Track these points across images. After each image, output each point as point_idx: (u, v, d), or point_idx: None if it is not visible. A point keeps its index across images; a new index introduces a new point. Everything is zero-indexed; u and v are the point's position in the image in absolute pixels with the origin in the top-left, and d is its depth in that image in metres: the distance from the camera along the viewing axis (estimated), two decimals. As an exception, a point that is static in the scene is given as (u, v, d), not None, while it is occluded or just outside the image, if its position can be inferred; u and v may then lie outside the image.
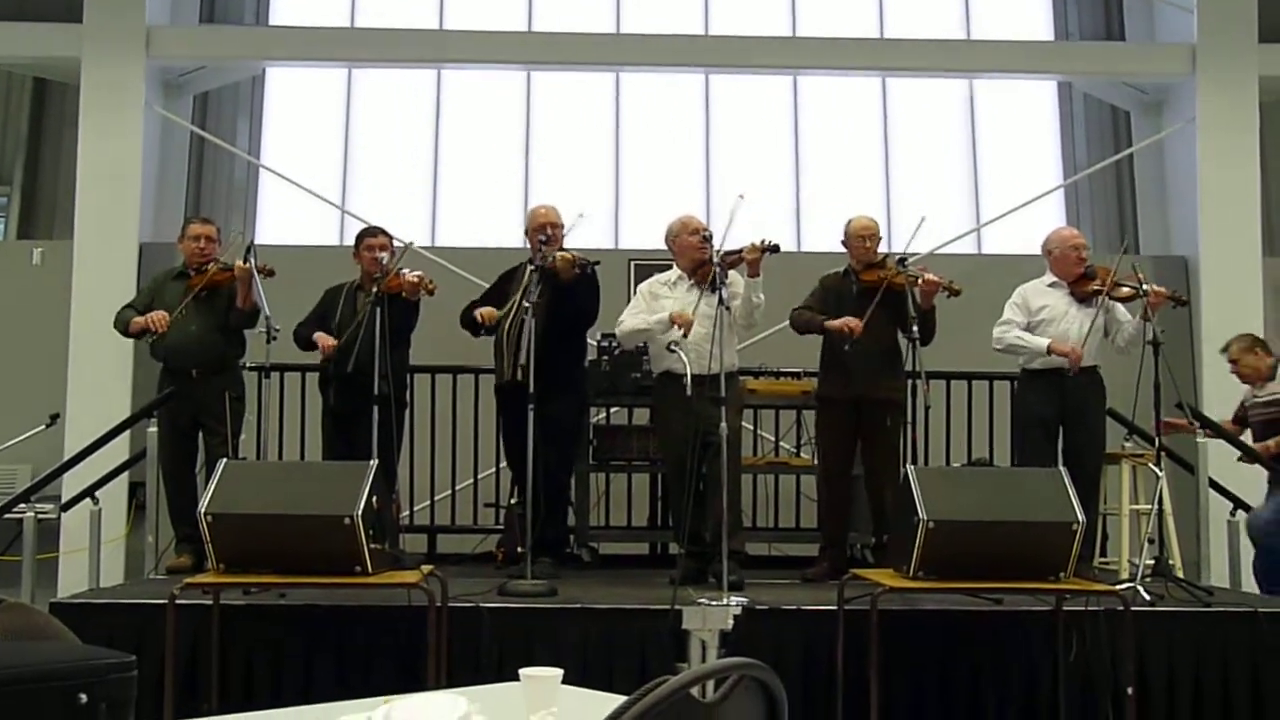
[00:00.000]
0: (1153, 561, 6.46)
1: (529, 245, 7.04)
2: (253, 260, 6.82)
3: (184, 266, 7.25)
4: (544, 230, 6.85)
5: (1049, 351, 6.82)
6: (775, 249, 6.48)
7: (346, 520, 4.97)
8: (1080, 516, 5.11)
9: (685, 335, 6.40)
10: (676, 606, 5.29)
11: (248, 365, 7.11)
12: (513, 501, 7.18)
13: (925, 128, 11.54)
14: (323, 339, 6.97)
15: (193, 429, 7.08)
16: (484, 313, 6.88)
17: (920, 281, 6.59)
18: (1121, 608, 5.30)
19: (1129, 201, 11.12)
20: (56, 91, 10.94)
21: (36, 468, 8.89)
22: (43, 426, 7.84)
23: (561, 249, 6.76)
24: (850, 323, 6.69)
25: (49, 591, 7.24)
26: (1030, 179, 11.09)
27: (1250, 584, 7.40)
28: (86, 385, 9.28)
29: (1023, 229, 10.27)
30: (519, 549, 6.43)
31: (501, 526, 7.53)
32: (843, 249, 7.11)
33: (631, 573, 7.37)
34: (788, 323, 7.18)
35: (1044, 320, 6.96)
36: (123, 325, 7.22)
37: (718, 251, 6.52)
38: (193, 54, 10.54)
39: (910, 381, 6.68)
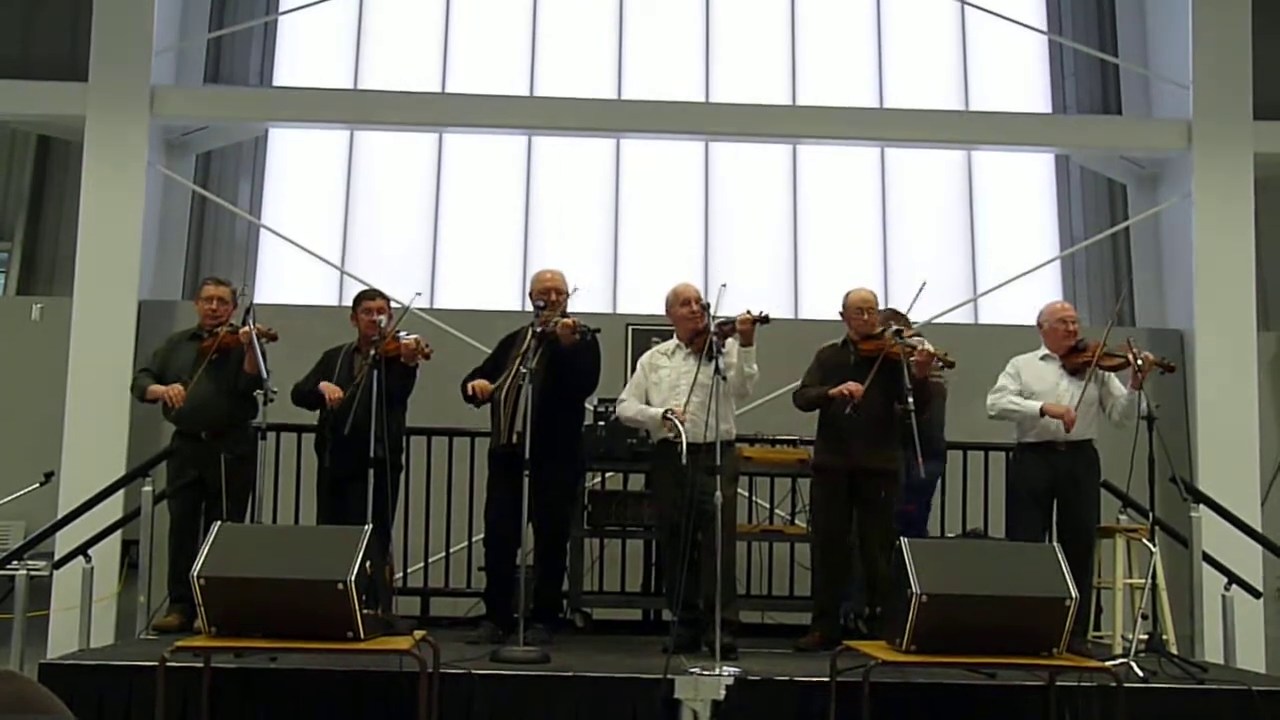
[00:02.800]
0: (1146, 637, 6.43)
1: (532, 309, 7.06)
2: (251, 323, 6.86)
3: (199, 328, 7.30)
4: (547, 295, 6.89)
5: (1042, 413, 6.85)
6: (766, 319, 6.52)
7: (339, 586, 4.95)
8: (1073, 592, 5.10)
9: (681, 425, 6.39)
10: (669, 676, 5.27)
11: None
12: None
13: (923, 198, 11.62)
14: (328, 388, 6.98)
15: (202, 490, 7.09)
16: (477, 385, 6.89)
17: (915, 352, 6.64)
18: (1114, 684, 5.28)
19: (1125, 274, 11.18)
20: (60, 149, 11.01)
21: (30, 525, 8.87)
22: (37, 484, 7.82)
23: (564, 314, 6.79)
24: (851, 387, 6.73)
25: (39, 650, 7.21)
26: (1027, 250, 11.16)
27: (1245, 660, 7.36)
28: (82, 443, 9.27)
29: (1019, 300, 10.34)
30: (514, 615, 6.43)
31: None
32: (839, 317, 7.15)
33: (625, 639, 7.34)
34: (782, 390, 7.21)
35: (1034, 393, 7.00)
36: (139, 392, 7.28)
37: (714, 319, 6.56)
38: (197, 114, 10.63)
39: (904, 453, 6.69)
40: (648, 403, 6.82)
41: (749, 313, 6.53)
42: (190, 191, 10.80)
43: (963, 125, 11.03)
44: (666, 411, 6.55)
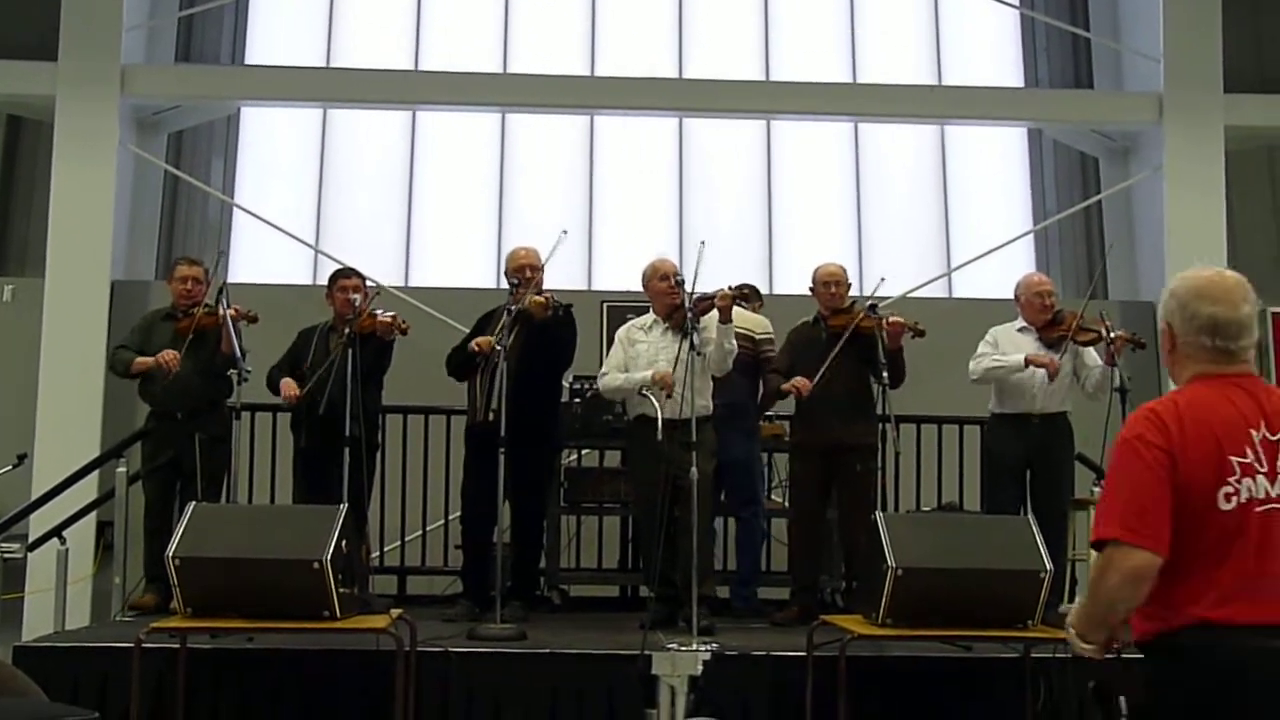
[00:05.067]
0: (1120, 608, 6.47)
1: (507, 286, 7.03)
2: (224, 304, 6.83)
3: (173, 307, 7.26)
4: (522, 272, 6.87)
5: (1027, 363, 6.89)
6: (745, 297, 6.54)
7: (315, 565, 4.96)
8: (1048, 564, 5.15)
9: (669, 396, 6.40)
10: (646, 652, 5.28)
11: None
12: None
13: (896, 172, 11.64)
14: (286, 386, 6.96)
15: (177, 471, 7.06)
16: (480, 341, 6.83)
17: (886, 322, 6.66)
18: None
19: (1097, 247, 11.21)
20: (30, 129, 10.91)
21: (3, 507, 8.81)
22: (10, 466, 7.78)
23: (539, 291, 6.77)
24: (797, 383, 6.81)
25: (14, 633, 7.19)
26: (1000, 224, 11.20)
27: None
28: (56, 424, 9.21)
29: (993, 273, 10.36)
30: (491, 592, 6.43)
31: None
32: (810, 293, 7.18)
33: (602, 616, 7.36)
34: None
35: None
36: (122, 366, 7.19)
37: (690, 295, 6.55)
38: (168, 93, 10.55)
39: (881, 426, 6.72)
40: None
41: (728, 289, 6.54)
42: (162, 171, 10.72)
43: (936, 100, 11.03)
44: (654, 374, 6.54)
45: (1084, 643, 3.04)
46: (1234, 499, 2.83)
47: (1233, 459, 2.83)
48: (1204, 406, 2.88)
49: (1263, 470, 2.84)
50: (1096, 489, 7.48)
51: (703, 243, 6.48)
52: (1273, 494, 2.84)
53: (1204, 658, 2.82)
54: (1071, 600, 7.43)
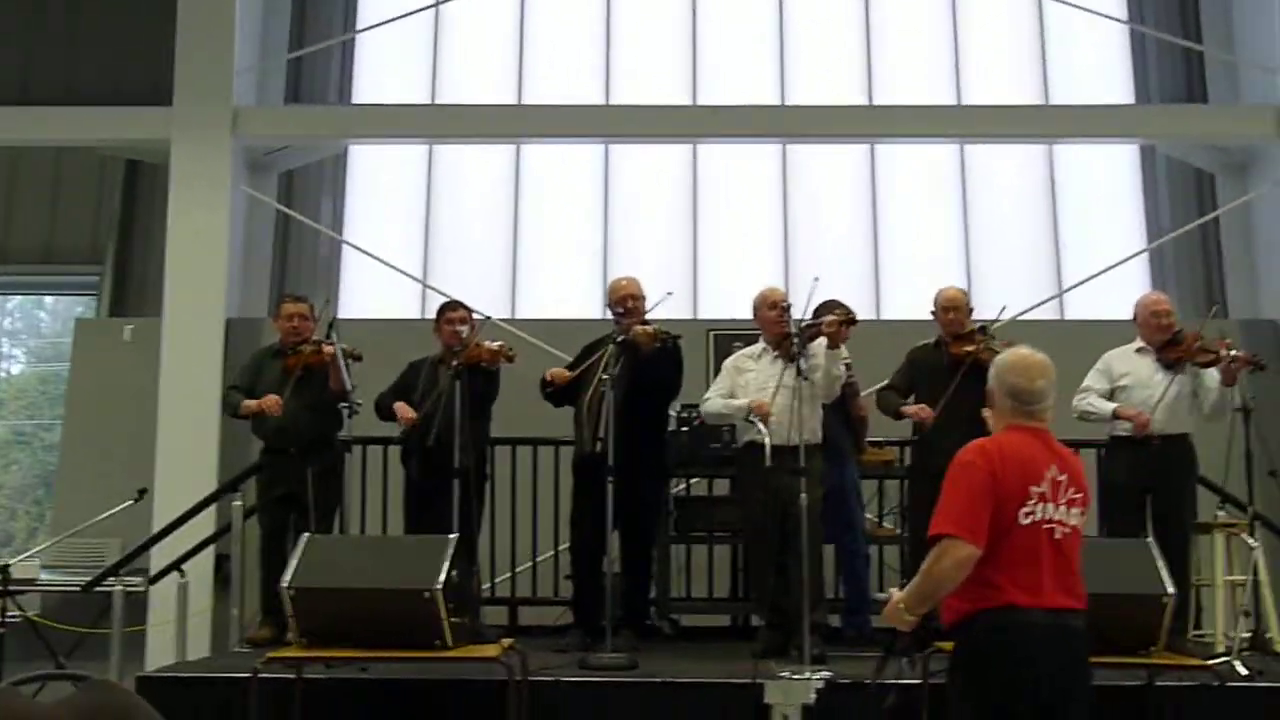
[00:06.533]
0: (1249, 635, 6.29)
1: (611, 317, 7.06)
2: (335, 338, 6.94)
3: (280, 344, 7.39)
4: (624, 303, 6.89)
5: (1115, 416, 6.76)
6: (853, 321, 6.48)
7: (426, 594, 4.99)
8: (1170, 588, 5.01)
9: (765, 424, 6.38)
10: (758, 680, 5.23)
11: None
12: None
13: (1005, 193, 11.46)
14: (402, 409, 7.04)
15: (291, 505, 7.17)
16: (554, 372, 6.90)
17: (1227, 364, 6.56)
18: (1216, 683, 5.15)
19: (1215, 264, 10.94)
20: (147, 172, 11.21)
21: (125, 542, 9.02)
22: (131, 501, 7.95)
23: (644, 322, 6.78)
24: (922, 413, 6.81)
25: (136, 664, 7.33)
26: (1113, 243, 10.95)
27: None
28: (174, 460, 9.40)
29: (1107, 294, 10.15)
30: (602, 622, 6.43)
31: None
32: (922, 317, 7.11)
33: (713, 645, 7.31)
34: (867, 390, 7.16)
35: (1126, 386, 6.89)
36: (232, 409, 7.38)
37: (798, 323, 6.52)
38: (278, 133, 10.78)
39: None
40: None
41: (837, 314, 6.50)
42: (274, 210, 10.94)
43: (1045, 119, 10.86)
44: (752, 403, 6.52)
45: (908, 615, 3.91)
46: (1031, 517, 3.85)
47: (1032, 488, 3.86)
48: (1015, 447, 3.92)
49: (1051, 500, 3.87)
50: (1221, 513, 7.28)
51: (816, 279, 6.45)
52: (1056, 517, 3.88)
53: (1004, 629, 3.82)
54: (1198, 627, 7.26)
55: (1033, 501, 3.84)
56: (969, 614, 3.85)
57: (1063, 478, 3.90)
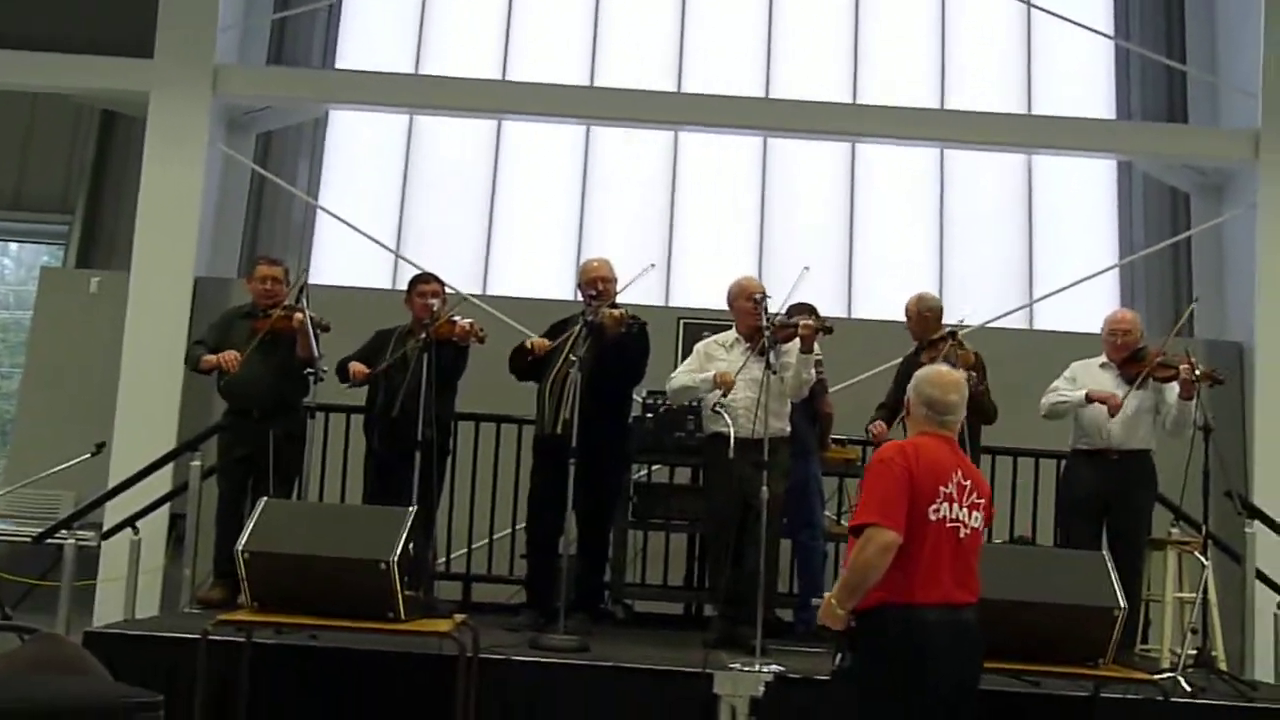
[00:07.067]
0: (1195, 652, 6.34)
1: (582, 298, 7.04)
2: (305, 304, 6.90)
3: (252, 306, 7.34)
4: (595, 285, 6.87)
5: (1088, 399, 6.84)
6: (829, 330, 6.50)
7: (382, 565, 4.98)
8: (1122, 602, 5.04)
9: (725, 395, 6.41)
10: (708, 670, 5.24)
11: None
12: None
13: (982, 200, 11.50)
14: (356, 366, 7.03)
15: (251, 467, 7.13)
16: (536, 342, 6.87)
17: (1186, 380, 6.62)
18: (1161, 698, 5.20)
19: (1185, 284, 11.00)
20: (123, 124, 11.10)
21: (80, 495, 8.96)
22: (88, 455, 7.89)
23: (613, 304, 6.76)
24: (874, 429, 7.01)
25: (85, 619, 7.28)
26: (1086, 257, 11.00)
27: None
28: (134, 416, 9.33)
29: (1076, 307, 10.22)
30: (555, 603, 6.42)
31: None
32: (892, 318, 7.14)
33: (665, 632, 7.32)
34: (839, 387, 7.19)
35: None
36: (193, 362, 7.34)
37: (772, 318, 6.54)
38: (259, 93, 10.66)
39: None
40: None
41: (813, 321, 6.51)
42: (249, 170, 10.85)
43: (1026, 128, 10.88)
44: (716, 375, 6.55)
45: (839, 610, 4.20)
46: (938, 514, 4.23)
47: (940, 488, 4.25)
48: (928, 449, 4.31)
49: (957, 501, 4.26)
50: (1175, 529, 7.35)
51: (806, 268, 6.46)
52: (960, 517, 4.26)
53: (906, 623, 4.15)
54: (1145, 642, 7.32)
55: (940, 500, 4.23)
56: (875, 606, 4.18)
57: (967, 482, 4.31)
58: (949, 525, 4.23)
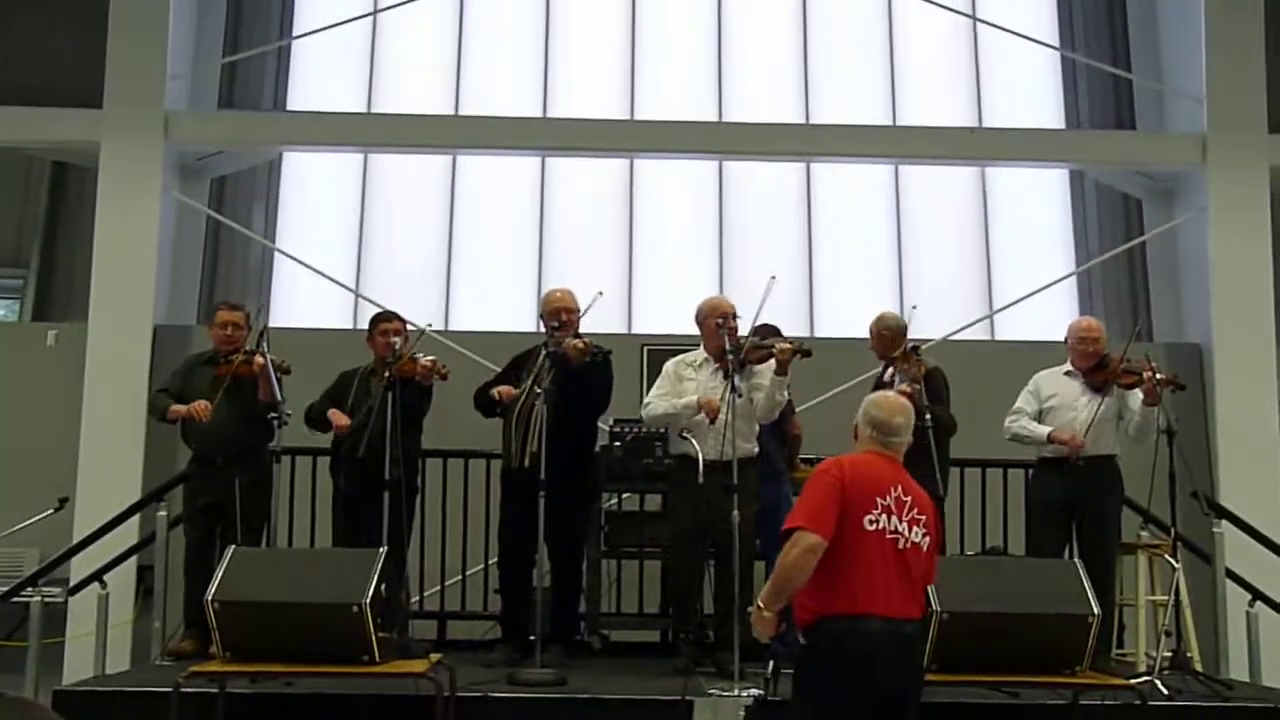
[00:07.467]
0: (1170, 654, 6.37)
1: (544, 330, 7.02)
2: (265, 348, 6.86)
3: (214, 352, 7.30)
4: (558, 316, 6.86)
5: (1049, 440, 6.85)
6: (808, 353, 6.51)
7: (355, 609, 4.94)
8: (1096, 609, 5.06)
9: (712, 422, 6.40)
10: (687, 697, 5.23)
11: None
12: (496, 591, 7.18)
13: (938, 215, 11.57)
14: (336, 415, 7.02)
15: (218, 515, 7.06)
16: (502, 390, 6.85)
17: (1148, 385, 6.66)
18: (1139, 702, 5.22)
19: (1142, 288, 11.10)
20: (75, 175, 11.02)
21: (44, 552, 8.85)
22: (52, 510, 7.81)
23: (576, 334, 6.76)
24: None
25: (54, 678, 7.18)
26: (1043, 267, 11.09)
27: (1271, 677, 7.27)
28: (97, 468, 9.23)
29: (1036, 316, 10.28)
30: (531, 637, 6.39)
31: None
32: (856, 335, 7.16)
33: (642, 661, 7.28)
34: (805, 406, 7.20)
35: (1053, 407, 7.01)
36: (159, 412, 7.29)
37: (743, 338, 6.55)
38: (211, 139, 10.63)
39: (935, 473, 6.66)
40: None
41: (789, 343, 6.51)
42: (205, 216, 10.79)
43: (977, 142, 10.97)
44: (700, 400, 6.54)
45: (766, 613, 4.29)
46: (875, 524, 4.29)
47: (877, 499, 4.32)
48: (867, 465, 4.42)
49: (896, 514, 4.32)
50: (1144, 533, 7.38)
51: (773, 277, 6.47)
52: (900, 530, 4.31)
53: (846, 635, 4.23)
54: (1120, 646, 7.35)
55: (877, 511, 4.30)
56: (815, 618, 4.29)
57: (907, 498, 4.38)
58: (888, 536, 4.29)
